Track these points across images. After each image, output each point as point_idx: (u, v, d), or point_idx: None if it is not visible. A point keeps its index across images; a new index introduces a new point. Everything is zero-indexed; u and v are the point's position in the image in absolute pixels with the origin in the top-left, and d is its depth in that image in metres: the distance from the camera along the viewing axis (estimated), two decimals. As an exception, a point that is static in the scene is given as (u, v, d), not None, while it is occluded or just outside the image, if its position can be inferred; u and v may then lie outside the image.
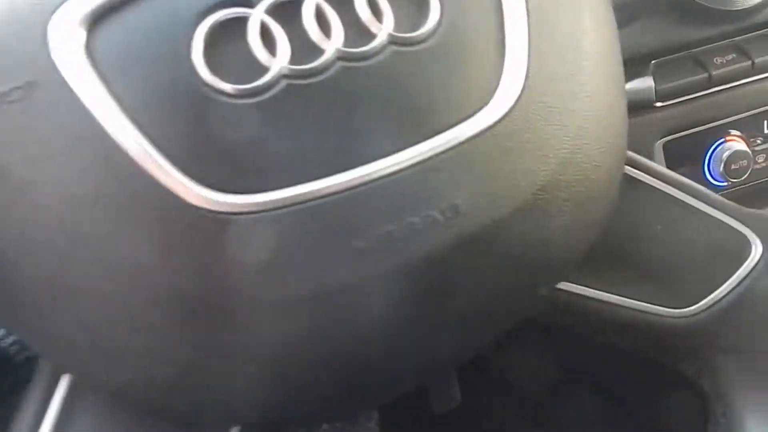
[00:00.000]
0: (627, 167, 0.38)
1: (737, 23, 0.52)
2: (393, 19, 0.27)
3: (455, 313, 0.30)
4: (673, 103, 0.52)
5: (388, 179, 0.26)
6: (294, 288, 0.26)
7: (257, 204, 0.26)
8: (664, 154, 0.54)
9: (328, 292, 0.27)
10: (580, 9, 0.30)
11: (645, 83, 0.52)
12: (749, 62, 0.52)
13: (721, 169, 0.55)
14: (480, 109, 0.28)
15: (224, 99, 0.25)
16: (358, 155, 0.26)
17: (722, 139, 0.55)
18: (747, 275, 0.41)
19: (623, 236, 0.39)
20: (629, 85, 0.52)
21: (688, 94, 0.52)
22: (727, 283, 0.40)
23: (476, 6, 0.28)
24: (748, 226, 0.40)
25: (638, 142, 0.55)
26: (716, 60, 0.52)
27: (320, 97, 0.26)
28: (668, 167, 0.55)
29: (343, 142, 0.26)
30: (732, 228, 0.40)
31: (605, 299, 0.40)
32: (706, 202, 0.40)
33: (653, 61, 0.52)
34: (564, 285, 0.38)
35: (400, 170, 0.27)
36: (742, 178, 0.55)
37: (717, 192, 0.43)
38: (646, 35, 0.47)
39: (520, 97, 0.28)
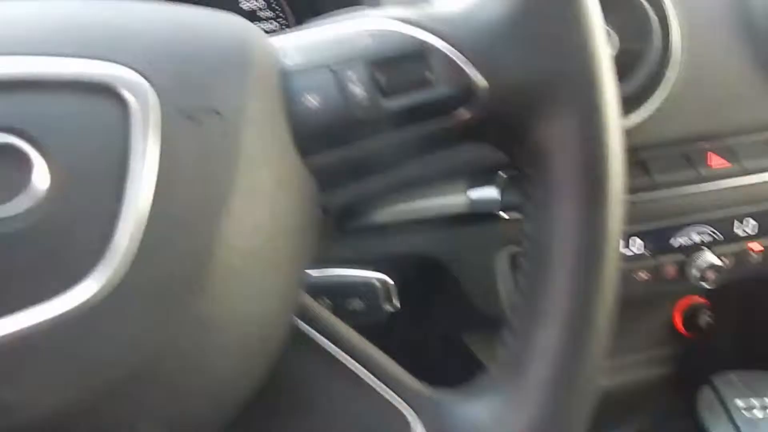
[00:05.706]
0: (303, 323, 0.35)
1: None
2: None
3: None
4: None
5: None
6: None
7: None
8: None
9: None
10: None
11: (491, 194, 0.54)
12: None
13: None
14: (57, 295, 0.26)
15: None
16: None
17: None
18: None
19: (286, 399, 0.36)
20: (477, 194, 0.55)
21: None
22: None
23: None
24: (411, 406, 0.36)
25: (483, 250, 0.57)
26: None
27: None
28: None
29: None
30: (393, 407, 0.36)
31: None
32: (374, 374, 0.37)
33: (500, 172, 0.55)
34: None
35: None
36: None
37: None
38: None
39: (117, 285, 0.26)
